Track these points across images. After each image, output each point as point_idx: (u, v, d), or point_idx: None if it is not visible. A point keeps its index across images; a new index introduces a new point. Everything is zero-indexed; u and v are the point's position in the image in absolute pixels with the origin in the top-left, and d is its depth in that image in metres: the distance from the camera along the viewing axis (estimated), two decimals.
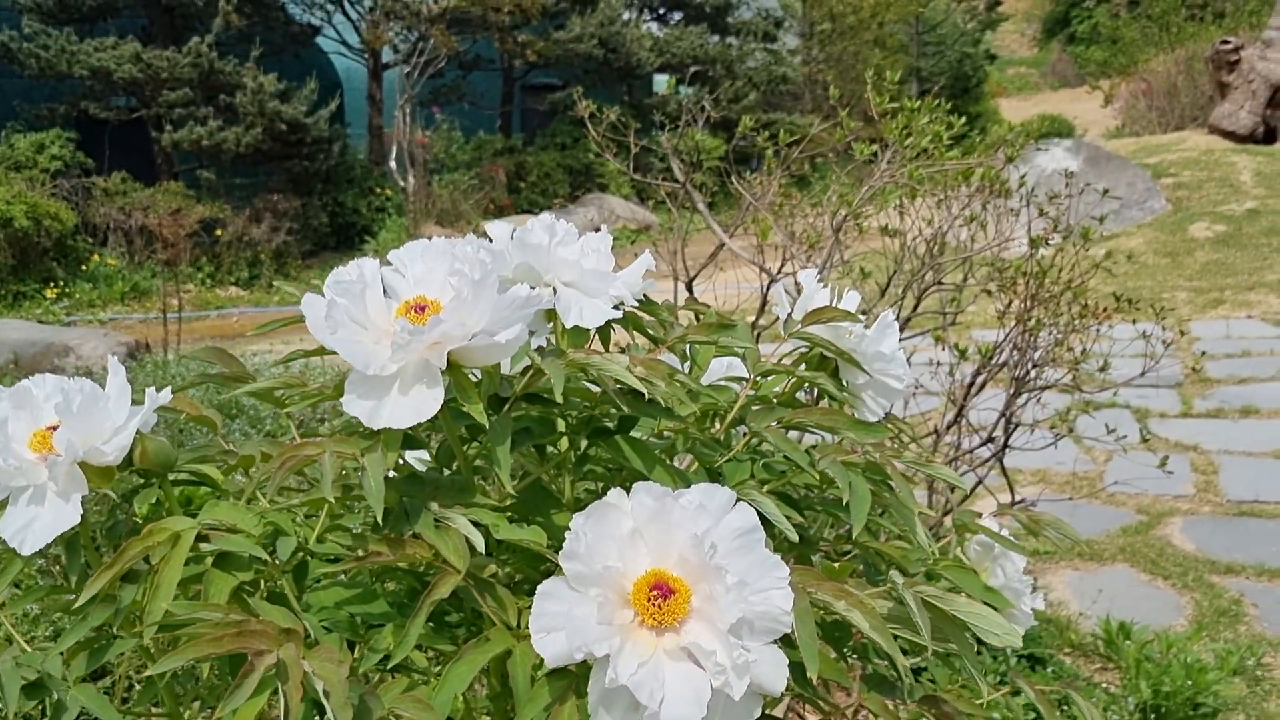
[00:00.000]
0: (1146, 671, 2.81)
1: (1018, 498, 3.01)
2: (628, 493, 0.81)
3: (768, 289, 3.10)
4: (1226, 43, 13.24)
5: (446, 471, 1.06)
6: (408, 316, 0.86)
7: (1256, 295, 7.36)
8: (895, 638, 1.05)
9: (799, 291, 1.26)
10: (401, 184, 12.28)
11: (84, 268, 10.34)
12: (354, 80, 13.63)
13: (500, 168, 13.43)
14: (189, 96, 10.82)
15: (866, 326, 1.20)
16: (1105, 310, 2.54)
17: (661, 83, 17.80)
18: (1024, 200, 2.68)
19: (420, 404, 0.84)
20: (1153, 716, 2.71)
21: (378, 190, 12.39)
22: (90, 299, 9.98)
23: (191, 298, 9.65)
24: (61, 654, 0.88)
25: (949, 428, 2.84)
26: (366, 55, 13.11)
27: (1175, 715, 2.72)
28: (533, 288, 0.93)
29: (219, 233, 10.68)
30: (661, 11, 17.42)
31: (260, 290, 10.62)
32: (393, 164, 12.45)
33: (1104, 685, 2.95)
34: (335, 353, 0.98)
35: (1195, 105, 14.99)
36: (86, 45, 10.92)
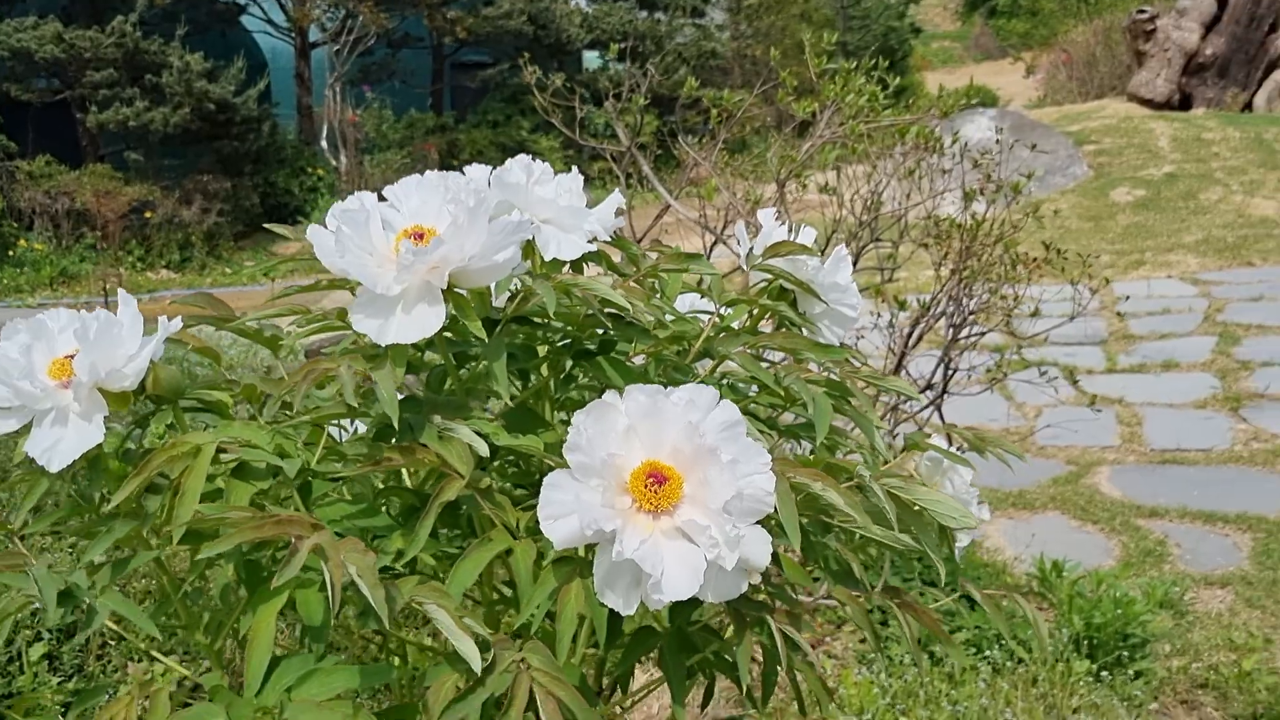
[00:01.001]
0: (1079, 606, 2.94)
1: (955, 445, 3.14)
2: None
3: (711, 249, 3.19)
4: (1143, 12, 13.56)
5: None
6: (406, 241, 0.93)
7: (1175, 256, 7.61)
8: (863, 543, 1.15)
9: (756, 231, 1.35)
10: (333, 163, 12.20)
11: (10, 253, 10.16)
12: (280, 59, 13.47)
13: (433, 146, 13.38)
14: (114, 77, 10.64)
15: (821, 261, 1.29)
16: (1036, 261, 2.65)
17: (592, 59, 17.81)
18: (956, 158, 2.79)
19: (424, 321, 0.91)
20: (1086, 645, 2.85)
21: (309, 170, 12.29)
22: (18, 284, 9.82)
23: (123, 281, 9.52)
24: (92, 563, 0.94)
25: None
26: (294, 34, 12.97)
27: (1106, 645, 2.86)
28: None
29: (149, 215, 10.54)
30: None
31: (193, 272, 10.50)
32: (324, 143, 12.35)
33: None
34: (329, 287, 1.05)
35: (1114, 74, 15.34)
36: (6, 26, 10.70)
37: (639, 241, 3.08)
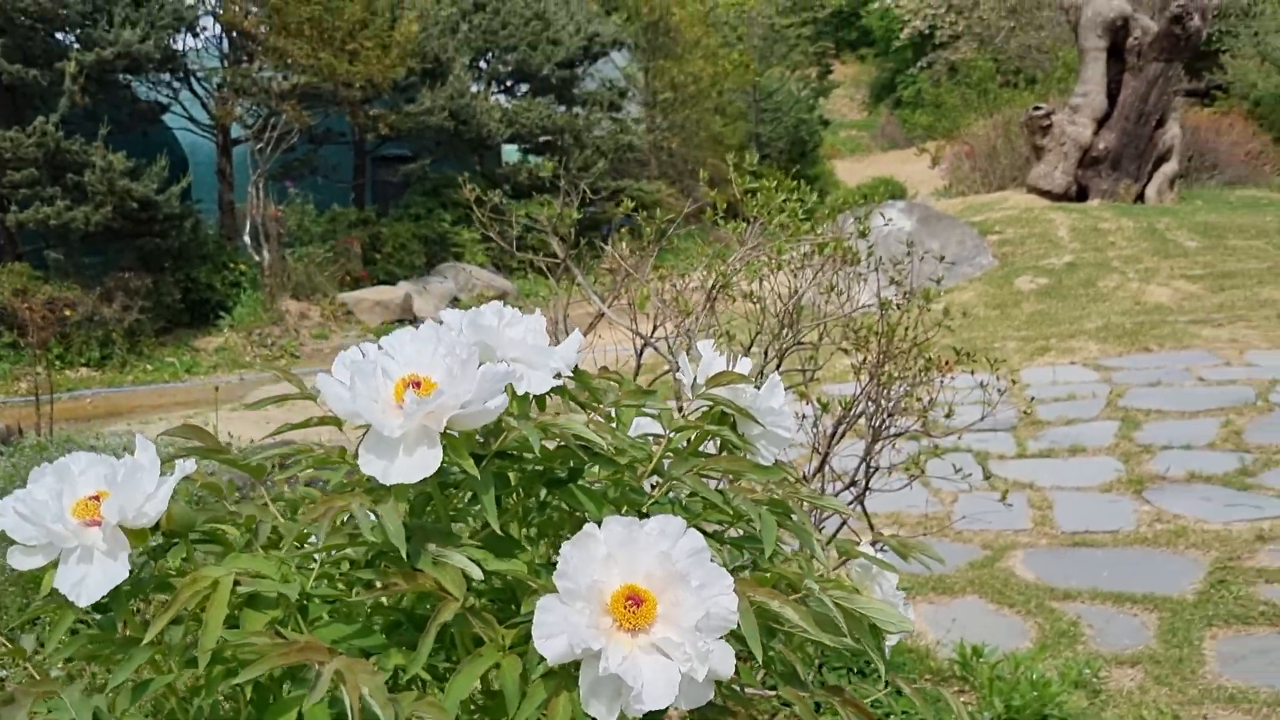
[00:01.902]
0: (999, 688, 3.09)
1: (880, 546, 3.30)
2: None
3: (641, 351, 3.34)
4: (1039, 109, 14.23)
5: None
6: (410, 390, 1.05)
7: (1078, 342, 7.94)
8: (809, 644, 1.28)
9: (697, 359, 1.50)
10: (256, 258, 12.21)
11: None
12: (202, 155, 13.53)
13: (355, 240, 13.47)
14: (34, 176, 10.61)
15: (757, 387, 1.44)
16: (946, 363, 2.85)
17: (510, 152, 18.13)
18: (871, 266, 3.00)
19: (424, 462, 1.03)
20: None
21: (231, 265, 12.29)
22: None
23: (41, 380, 9.41)
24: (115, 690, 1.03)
25: (814, 475, 3.11)
26: (216, 131, 13.05)
27: None
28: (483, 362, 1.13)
29: (69, 313, 10.46)
30: (509, 84, 17.79)
31: (113, 370, 10.40)
32: (246, 239, 12.38)
33: (963, 705, 3.23)
34: (320, 424, 1.17)
35: (1014, 166, 16.03)
36: None
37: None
